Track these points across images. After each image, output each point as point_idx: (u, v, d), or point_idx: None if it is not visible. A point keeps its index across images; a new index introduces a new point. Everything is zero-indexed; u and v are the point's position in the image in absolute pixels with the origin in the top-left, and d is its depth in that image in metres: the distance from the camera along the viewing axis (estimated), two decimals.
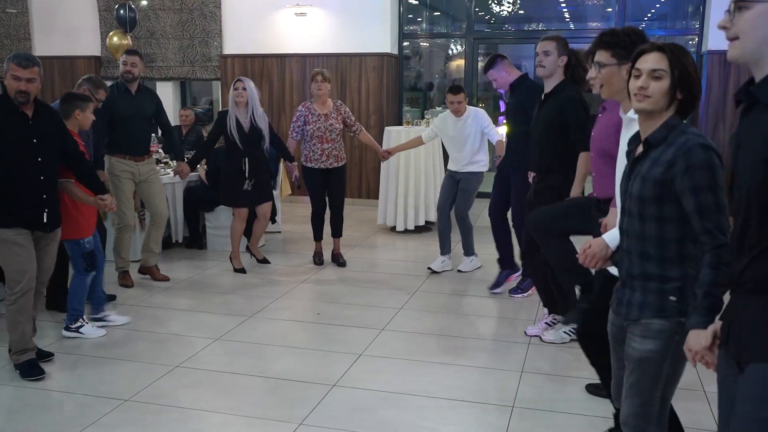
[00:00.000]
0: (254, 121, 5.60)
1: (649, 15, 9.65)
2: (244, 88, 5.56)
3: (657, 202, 2.06)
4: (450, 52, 10.32)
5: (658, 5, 9.61)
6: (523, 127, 4.60)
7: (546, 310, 4.40)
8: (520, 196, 4.76)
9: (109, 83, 5.31)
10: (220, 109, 6.59)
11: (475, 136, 5.71)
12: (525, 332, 4.40)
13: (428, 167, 7.36)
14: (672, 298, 2.11)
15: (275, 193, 6.83)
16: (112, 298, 5.00)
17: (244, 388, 3.62)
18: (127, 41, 9.17)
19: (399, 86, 9.28)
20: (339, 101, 6.10)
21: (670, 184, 2.03)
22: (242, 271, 5.83)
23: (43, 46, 9.90)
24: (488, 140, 5.83)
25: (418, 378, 3.74)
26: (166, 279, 5.55)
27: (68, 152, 3.88)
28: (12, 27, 10.08)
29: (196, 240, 6.68)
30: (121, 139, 5.26)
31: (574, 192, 3.91)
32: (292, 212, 8.21)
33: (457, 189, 5.81)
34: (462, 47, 9.48)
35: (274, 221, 6.54)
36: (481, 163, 5.77)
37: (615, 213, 3.25)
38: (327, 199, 6.05)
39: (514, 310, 4.91)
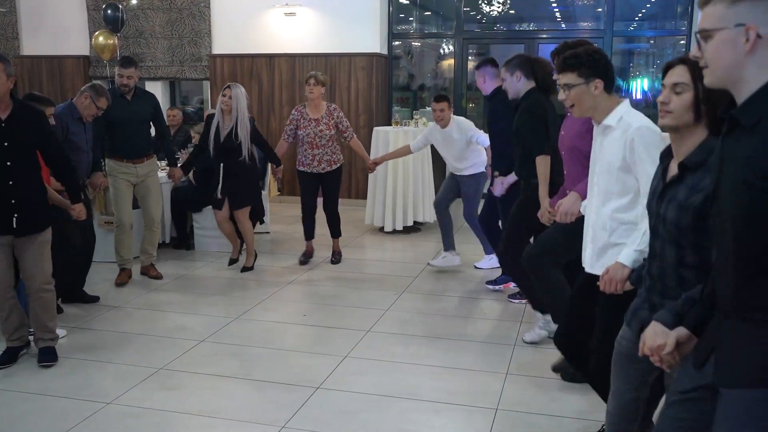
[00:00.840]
0: (234, 132, 5.51)
1: (639, 15, 9.66)
2: (231, 97, 5.49)
3: (696, 231, 1.91)
4: (441, 51, 10.30)
5: (647, 6, 9.62)
6: (499, 136, 4.87)
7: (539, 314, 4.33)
8: (506, 211, 4.75)
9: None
10: (210, 109, 6.58)
11: (465, 144, 5.71)
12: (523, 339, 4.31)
13: (416, 168, 7.35)
14: None
15: (263, 193, 6.81)
16: (95, 299, 4.99)
17: (227, 390, 3.60)
18: (113, 41, 9.13)
19: (388, 86, 9.26)
20: (333, 105, 6.04)
21: None
22: (234, 261, 5.92)
23: (32, 45, 9.86)
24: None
25: (402, 380, 3.73)
26: (160, 277, 5.63)
27: (48, 154, 3.85)
28: (0, 26, 10.02)
29: (183, 240, 6.65)
30: (118, 143, 5.34)
31: (542, 193, 3.95)
32: (281, 213, 8.19)
33: (459, 190, 5.85)
34: (453, 47, 9.47)
35: (262, 222, 6.53)
36: (477, 164, 5.78)
37: (575, 196, 3.27)
38: (321, 200, 6.06)
39: (499, 312, 4.91)
